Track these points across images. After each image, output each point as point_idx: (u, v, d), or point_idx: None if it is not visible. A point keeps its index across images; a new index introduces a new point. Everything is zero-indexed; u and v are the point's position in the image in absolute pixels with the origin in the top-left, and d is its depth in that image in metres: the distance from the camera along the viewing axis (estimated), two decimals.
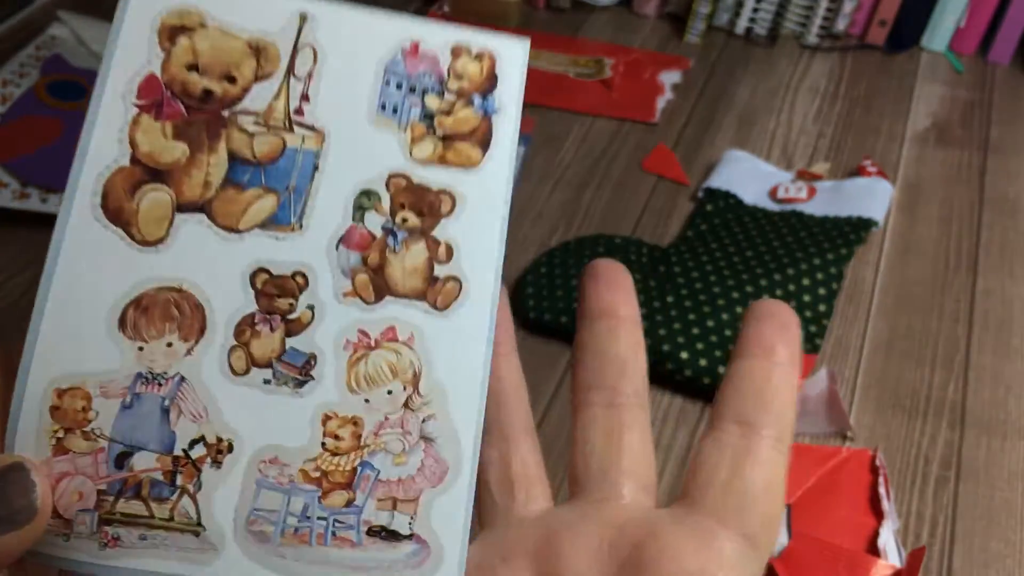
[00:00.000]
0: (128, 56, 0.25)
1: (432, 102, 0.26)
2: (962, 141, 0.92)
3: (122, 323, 0.24)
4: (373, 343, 0.25)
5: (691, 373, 0.65)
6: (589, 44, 1.03)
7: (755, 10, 1.04)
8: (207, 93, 0.25)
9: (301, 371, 0.24)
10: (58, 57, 0.86)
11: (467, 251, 0.26)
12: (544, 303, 0.70)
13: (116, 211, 0.24)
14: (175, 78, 0.25)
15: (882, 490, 0.59)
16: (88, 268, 0.24)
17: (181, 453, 0.24)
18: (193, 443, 0.24)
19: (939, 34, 1.04)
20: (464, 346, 0.25)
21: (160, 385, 0.24)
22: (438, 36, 0.26)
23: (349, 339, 0.25)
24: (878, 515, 0.58)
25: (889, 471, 0.61)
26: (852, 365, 0.69)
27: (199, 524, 0.23)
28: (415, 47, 0.26)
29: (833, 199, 0.80)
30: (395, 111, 0.26)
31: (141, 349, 0.24)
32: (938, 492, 0.61)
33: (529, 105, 1.02)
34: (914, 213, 0.83)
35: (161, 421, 0.24)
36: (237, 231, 0.25)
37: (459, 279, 0.25)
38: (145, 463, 0.23)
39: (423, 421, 0.25)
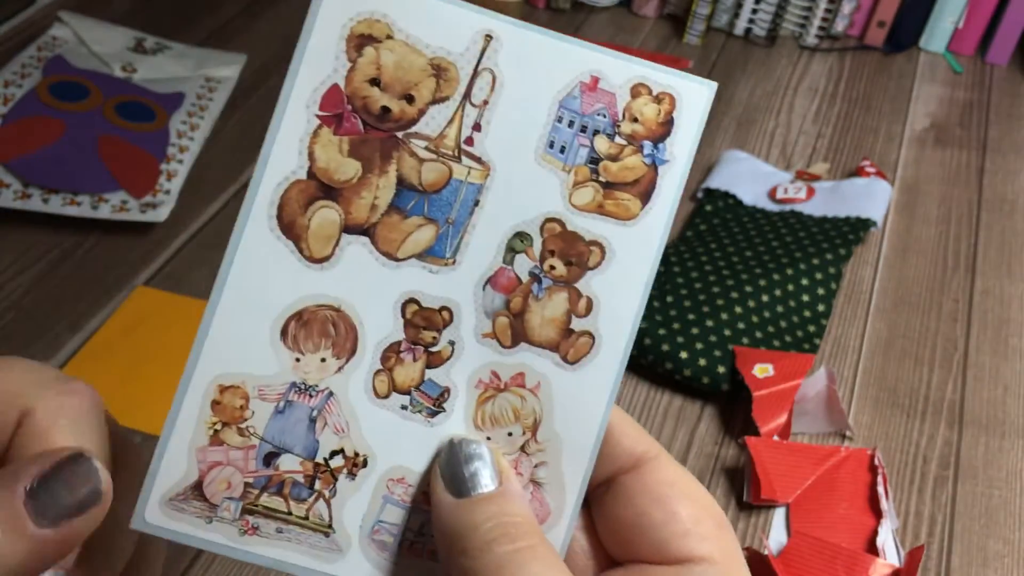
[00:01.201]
0: (315, 63, 0.25)
1: (601, 144, 0.25)
2: (960, 141, 0.93)
3: (284, 333, 0.25)
4: (502, 386, 0.26)
5: (691, 373, 0.65)
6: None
7: (754, 11, 1.05)
8: (385, 111, 0.25)
9: (435, 402, 0.26)
10: (60, 58, 0.86)
11: (607, 308, 0.25)
12: None
13: (289, 224, 0.25)
14: (357, 92, 0.25)
15: (881, 489, 0.59)
16: (258, 276, 0.25)
17: (322, 461, 0.25)
18: (333, 453, 0.25)
19: (937, 35, 1.05)
20: (586, 402, 0.25)
21: (311, 396, 0.25)
22: (621, 72, 0.25)
23: (482, 379, 0.26)
24: (877, 514, 0.58)
25: (888, 470, 0.62)
26: (851, 365, 0.69)
27: (330, 526, 0.25)
28: (595, 82, 0.25)
29: (832, 199, 0.80)
30: (563, 151, 0.25)
31: (298, 360, 0.25)
32: (936, 491, 0.61)
33: None
34: (912, 213, 0.84)
35: (308, 429, 0.25)
36: (395, 259, 0.25)
37: (593, 335, 0.26)
38: (289, 465, 0.25)
39: (535, 466, 0.26)
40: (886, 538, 0.57)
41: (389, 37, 0.25)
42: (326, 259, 0.25)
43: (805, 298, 0.70)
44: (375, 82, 0.25)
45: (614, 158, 0.25)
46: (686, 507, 0.25)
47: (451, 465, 0.25)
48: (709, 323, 0.67)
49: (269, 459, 0.25)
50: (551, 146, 0.25)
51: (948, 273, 0.78)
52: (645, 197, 0.25)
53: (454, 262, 0.25)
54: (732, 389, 0.65)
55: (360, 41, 0.25)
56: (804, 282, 0.71)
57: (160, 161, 0.79)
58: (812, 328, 0.69)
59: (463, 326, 0.25)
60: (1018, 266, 0.79)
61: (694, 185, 0.85)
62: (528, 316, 0.25)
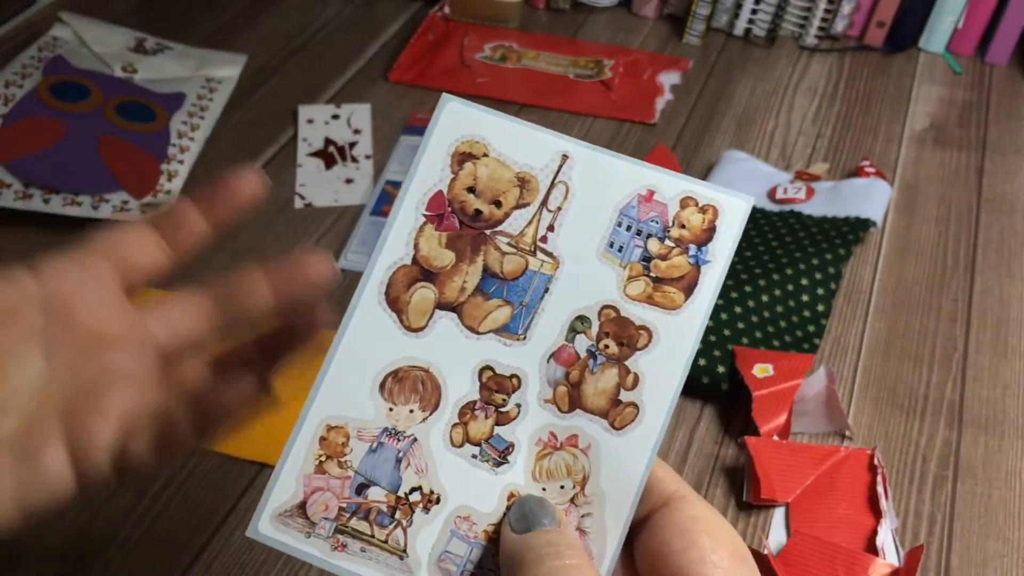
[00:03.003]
0: (426, 174, 0.31)
1: (653, 246, 0.30)
2: (960, 141, 0.93)
3: (382, 387, 0.30)
4: (558, 445, 0.30)
5: (690, 373, 0.65)
6: (589, 45, 1.03)
7: (754, 11, 1.05)
8: (477, 212, 0.31)
9: (501, 454, 0.30)
10: (60, 58, 0.86)
11: (651, 383, 0.30)
12: None
13: (394, 299, 0.30)
14: (456, 197, 0.31)
15: (880, 489, 0.59)
16: (366, 339, 0.30)
17: (403, 495, 0.30)
18: (413, 490, 0.30)
19: (937, 35, 1.05)
20: (628, 463, 0.30)
21: (399, 440, 0.30)
22: (672, 187, 0.30)
23: (541, 438, 0.30)
24: (876, 514, 0.58)
25: (887, 470, 0.62)
26: (850, 364, 0.70)
27: (404, 551, 0.29)
28: (650, 194, 0.30)
29: (831, 199, 0.80)
30: (620, 250, 0.30)
31: (391, 410, 0.30)
32: (936, 491, 0.61)
33: (529, 106, 1.03)
34: (912, 213, 0.84)
35: (394, 468, 0.30)
36: (477, 332, 0.30)
37: (638, 406, 0.30)
38: (377, 496, 0.30)
39: (582, 516, 0.30)
40: (886, 538, 0.57)
41: (485, 155, 0.31)
42: (421, 329, 0.30)
43: (805, 298, 0.70)
44: (471, 190, 0.31)
45: (664, 257, 0.30)
46: (705, 539, 0.29)
47: (520, 511, 0.29)
48: (709, 323, 0.67)
49: (361, 489, 0.30)
50: (611, 246, 0.30)
51: (948, 273, 0.78)
52: (688, 291, 0.30)
53: (525, 338, 0.30)
54: (732, 389, 0.65)
55: (462, 157, 0.31)
56: (804, 282, 0.71)
57: (161, 161, 0.79)
58: (812, 328, 0.70)
59: (529, 392, 0.30)
60: (1018, 266, 0.79)
61: None
62: (584, 387, 0.30)
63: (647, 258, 0.30)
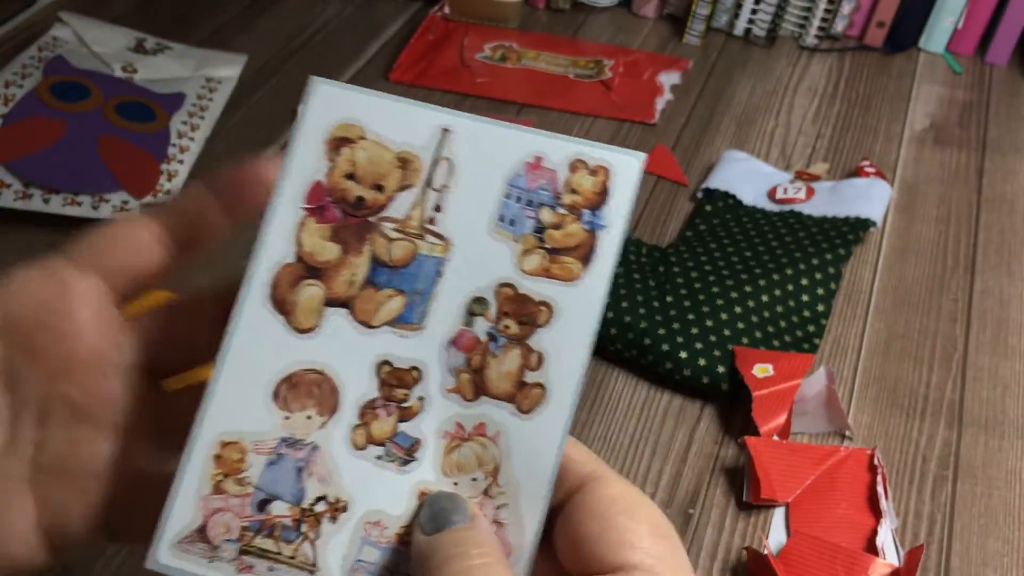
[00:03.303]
0: (301, 165, 0.29)
1: (546, 216, 0.29)
2: (960, 141, 0.93)
3: (276, 395, 0.29)
4: (466, 435, 0.29)
5: (690, 373, 0.65)
6: (589, 45, 1.03)
7: (754, 11, 1.05)
8: (359, 200, 0.29)
9: (407, 452, 0.29)
10: (60, 58, 0.86)
11: (555, 360, 0.28)
12: None
13: (281, 301, 0.29)
14: (336, 186, 0.29)
15: (880, 489, 0.59)
16: (255, 346, 0.29)
17: (307, 507, 0.28)
18: (317, 500, 0.28)
19: (937, 35, 1.05)
20: (539, 447, 0.28)
21: (298, 449, 0.28)
22: (560, 151, 0.29)
23: (448, 430, 0.29)
24: (876, 514, 0.58)
25: (887, 470, 0.62)
26: (850, 364, 0.70)
27: (314, 565, 0.28)
28: (538, 161, 0.29)
29: (831, 199, 0.80)
30: (512, 223, 0.29)
31: (287, 418, 0.29)
32: (936, 491, 0.61)
33: (529, 106, 1.03)
34: (912, 213, 0.84)
35: (296, 478, 0.28)
36: (371, 326, 0.29)
37: (544, 386, 0.28)
38: (280, 510, 0.28)
39: (497, 508, 0.28)
40: (885, 538, 0.57)
41: (362, 138, 0.29)
42: (311, 329, 0.29)
43: (805, 298, 0.70)
44: (351, 176, 0.29)
45: (557, 226, 0.29)
46: (622, 520, 0.27)
47: (430, 511, 0.28)
48: (709, 323, 0.67)
49: (262, 505, 0.28)
50: (502, 220, 0.29)
51: (947, 273, 0.78)
52: (586, 260, 0.28)
53: (422, 327, 0.29)
54: (732, 389, 0.65)
55: (338, 143, 0.29)
56: (804, 282, 0.71)
57: (161, 161, 0.79)
58: (812, 328, 0.70)
59: (431, 383, 0.29)
60: (1017, 266, 0.79)
61: (694, 185, 0.85)
62: (487, 372, 0.29)
63: (540, 229, 0.29)
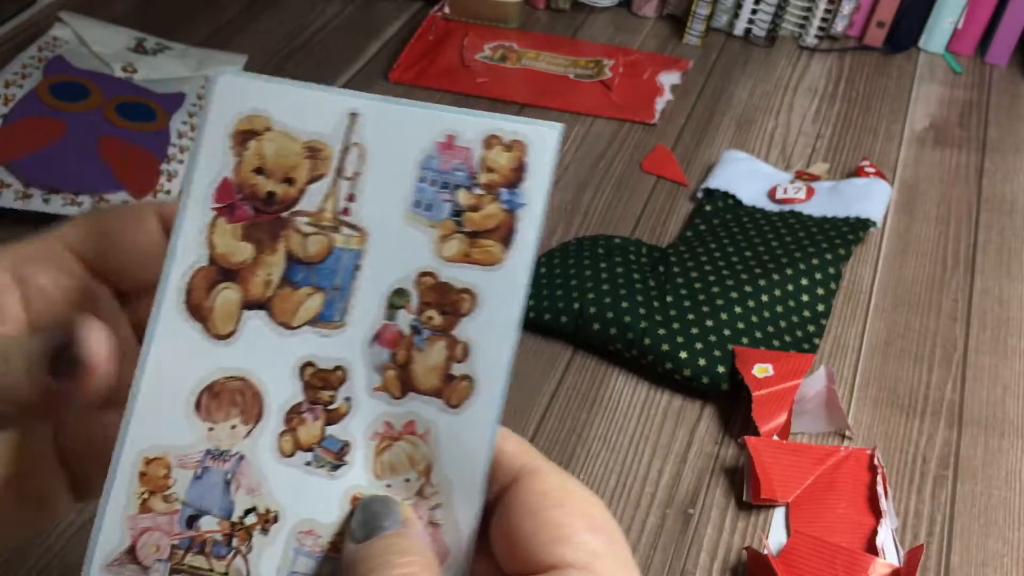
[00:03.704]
0: (208, 162, 0.28)
1: (462, 198, 0.27)
2: (960, 141, 0.93)
3: (198, 406, 0.27)
4: (396, 435, 0.27)
5: (690, 373, 0.65)
6: (589, 45, 1.03)
7: (754, 11, 1.05)
8: (270, 195, 0.28)
9: (336, 456, 0.27)
10: (60, 58, 0.86)
11: (481, 350, 0.27)
12: (544, 303, 0.70)
13: (196, 307, 0.27)
14: (245, 182, 0.28)
15: (880, 489, 0.59)
16: (173, 356, 0.27)
17: (237, 520, 0.27)
18: (247, 512, 0.27)
19: (937, 35, 1.05)
20: (470, 442, 0.27)
21: (224, 461, 0.27)
22: (473, 127, 0.27)
23: (377, 430, 0.27)
24: (876, 514, 0.58)
25: (887, 470, 0.62)
26: (850, 364, 0.70)
27: None
28: (450, 140, 0.27)
29: (831, 199, 0.80)
30: (428, 208, 0.27)
31: (211, 429, 0.27)
32: (936, 491, 0.61)
33: (529, 106, 1.02)
34: (912, 213, 0.84)
35: (224, 491, 0.27)
36: (291, 327, 0.28)
37: (472, 378, 0.27)
38: (209, 525, 0.27)
39: (431, 508, 0.27)
40: (885, 538, 0.57)
41: (268, 129, 0.27)
42: (230, 335, 0.27)
43: (804, 298, 0.70)
44: (259, 171, 0.27)
45: (475, 208, 0.27)
46: (555, 515, 0.26)
47: (361, 517, 0.27)
48: (709, 323, 0.67)
49: (191, 521, 0.27)
50: (417, 205, 0.27)
51: (947, 273, 0.78)
52: (507, 241, 0.27)
53: (343, 324, 0.27)
54: (732, 389, 0.65)
55: (244, 136, 0.27)
56: (804, 282, 0.71)
57: (161, 161, 0.79)
58: (812, 328, 0.70)
59: (356, 383, 0.27)
60: (1017, 266, 0.79)
61: (694, 185, 0.85)
62: (413, 367, 0.27)
63: (458, 212, 0.27)
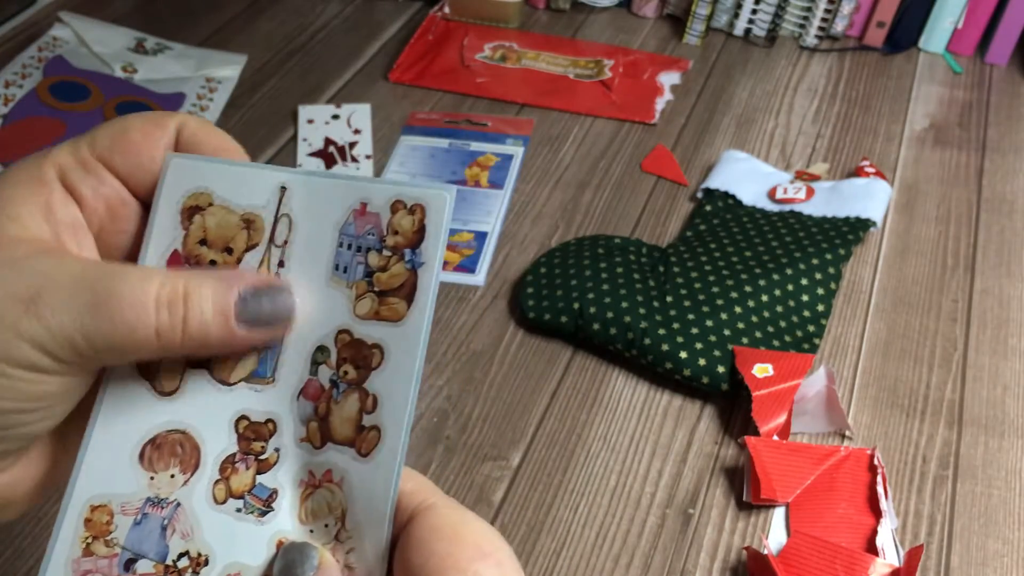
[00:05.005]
0: (160, 235, 0.30)
1: (373, 259, 0.29)
2: (960, 141, 0.93)
3: (141, 457, 0.29)
4: (317, 482, 0.29)
5: (690, 373, 0.65)
6: (588, 45, 1.03)
7: (754, 11, 1.05)
8: (212, 263, 0.30)
9: (264, 503, 0.29)
10: (60, 58, 0.86)
11: (387, 401, 0.29)
12: (544, 303, 0.70)
13: (145, 367, 0.30)
14: (191, 253, 0.30)
15: (880, 489, 0.59)
16: (122, 411, 0.29)
17: (171, 563, 0.29)
18: (180, 555, 0.29)
19: (937, 35, 1.05)
20: (377, 488, 0.29)
21: (162, 508, 0.29)
22: (381, 194, 0.29)
23: (302, 478, 0.29)
24: (876, 514, 0.58)
25: (887, 470, 0.62)
26: (850, 364, 0.70)
27: None
28: (363, 207, 0.30)
29: (831, 199, 0.81)
30: (345, 271, 0.30)
31: (152, 478, 0.29)
32: (936, 491, 0.61)
33: (529, 106, 1.02)
34: (912, 213, 0.84)
35: (160, 536, 0.29)
36: (228, 383, 0.30)
37: (380, 428, 0.29)
38: (145, 568, 0.29)
39: (347, 552, 0.29)
40: (885, 537, 0.57)
41: (211, 204, 0.30)
42: (174, 392, 0.30)
43: (804, 298, 0.70)
44: (203, 242, 0.30)
45: (383, 268, 0.29)
46: (443, 546, 0.27)
47: (281, 561, 0.29)
48: (709, 323, 0.67)
49: (129, 565, 0.29)
50: (337, 268, 0.30)
51: (947, 273, 0.78)
52: (409, 298, 0.29)
53: (274, 380, 0.30)
54: (732, 389, 0.65)
55: (191, 211, 0.30)
56: (804, 282, 0.71)
57: None
58: (812, 328, 0.70)
59: (285, 434, 0.30)
60: (1017, 266, 0.79)
61: (694, 185, 0.85)
62: (331, 418, 0.29)
63: (370, 273, 0.29)
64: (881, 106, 0.97)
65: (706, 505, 0.60)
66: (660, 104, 0.94)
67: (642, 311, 0.68)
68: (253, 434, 0.30)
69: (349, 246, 0.30)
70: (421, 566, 0.27)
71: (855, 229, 0.77)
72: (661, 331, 0.66)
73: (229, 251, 0.30)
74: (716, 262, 0.73)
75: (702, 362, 0.65)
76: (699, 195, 0.83)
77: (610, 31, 1.06)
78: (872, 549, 0.57)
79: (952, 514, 0.60)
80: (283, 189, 0.30)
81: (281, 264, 0.30)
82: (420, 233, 0.29)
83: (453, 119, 0.90)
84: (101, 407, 0.29)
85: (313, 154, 0.84)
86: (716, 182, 0.83)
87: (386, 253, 0.29)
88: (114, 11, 1.00)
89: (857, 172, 0.84)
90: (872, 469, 0.61)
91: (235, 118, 0.88)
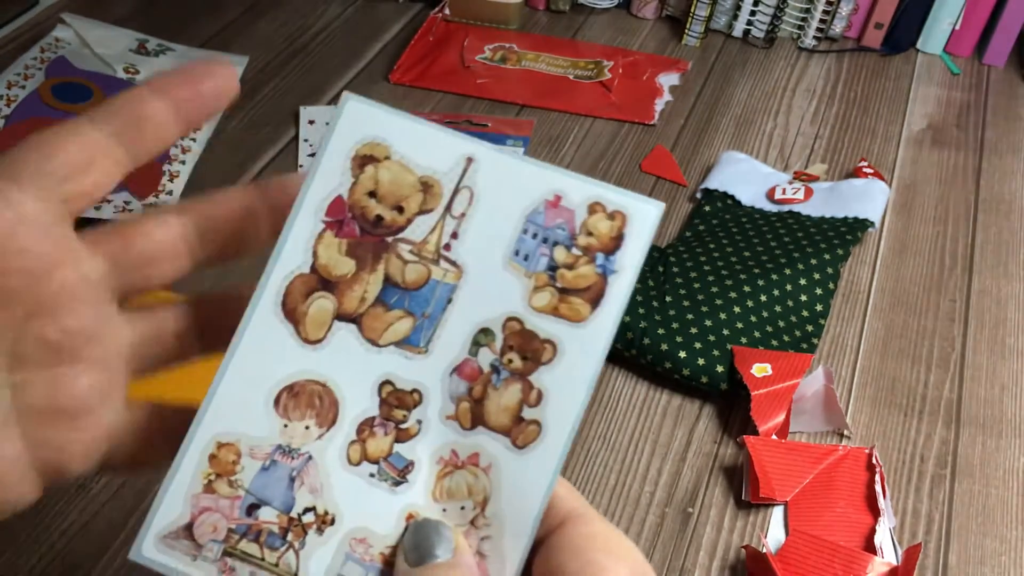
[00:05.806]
0: (325, 178, 0.29)
1: (559, 255, 0.29)
2: (957, 142, 0.93)
3: (276, 402, 0.29)
4: (460, 463, 0.29)
5: (689, 372, 0.65)
6: (588, 46, 1.03)
7: (752, 13, 1.05)
8: (379, 219, 0.29)
9: (400, 473, 0.29)
10: (62, 60, 0.87)
11: (554, 399, 0.28)
12: None
13: (291, 310, 0.29)
14: (357, 203, 0.29)
15: (878, 488, 0.59)
16: (261, 352, 0.29)
17: (296, 516, 0.28)
18: (306, 510, 0.28)
19: (935, 37, 1.05)
20: (529, 484, 0.28)
21: (293, 458, 0.29)
22: (580, 191, 0.29)
23: (443, 456, 0.29)
24: (874, 513, 0.59)
25: (885, 469, 0.62)
26: (848, 364, 0.70)
27: (295, 574, 0.28)
28: (557, 199, 0.29)
29: (830, 200, 0.81)
30: (526, 259, 0.29)
31: (285, 426, 0.29)
32: (934, 490, 0.62)
33: (529, 107, 1.03)
34: (910, 213, 0.84)
35: (288, 486, 0.29)
36: (377, 345, 0.29)
37: (540, 424, 0.28)
38: (267, 516, 0.28)
39: (482, 539, 0.28)
40: (884, 536, 0.57)
41: (387, 158, 0.29)
42: (319, 341, 0.29)
43: (803, 298, 0.71)
44: (372, 195, 0.29)
45: (570, 267, 0.29)
46: (601, 558, 0.27)
47: (414, 539, 0.28)
48: (708, 323, 0.67)
49: (251, 510, 0.28)
50: (516, 254, 0.29)
51: (945, 273, 0.78)
52: (595, 303, 0.28)
53: (427, 351, 0.29)
54: (731, 388, 0.65)
55: (363, 160, 0.29)
56: (802, 282, 0.71)
57: (163, 162, 0.79)
58: (810, 328, 0.70)
59: (430, 408, 0.29)
60: (1015, 266, 0.79)
61: (693, 186, 0.85)
62: (487, 403, 0.29)
63: (553, 267, 0.28)
64: (879, 107, 0.97)
65: (705, 504, 0.60)
66: (659, 105, 0.94)
67: (641, 311, 0.68)
68: (396, 401, 0.29)
69: (535, 235, 0.29)
70: (576, 572, 0.27)
71: (853, 229, 0.77)
72: (660, 331, 0.67)
73: (400, 210, 0.29)
74: (715, 262, 0.73)
75: (701, 362, 0.65)
76: (698, 195, 0.83)
77: (610, 32, 1.06)
78: (870, 548, 0.57)
79: (950, 513, 0.60)
80: (470, 160, 0.29)
81: (455, 236, 0.29)
82: (617, 240, 0.28)
83: (454, 120, 0.90)
84: (240, 343, 0.29)
85: (314, 155, 0.85)
86: (715, 183, 0.83)
87: (575, 252, 0.28)
88: (116, 13, 1.00)
89: (855, 173, 0.85)
90: (870, 468, 0.61)
91: (236, 119, 0.89)
